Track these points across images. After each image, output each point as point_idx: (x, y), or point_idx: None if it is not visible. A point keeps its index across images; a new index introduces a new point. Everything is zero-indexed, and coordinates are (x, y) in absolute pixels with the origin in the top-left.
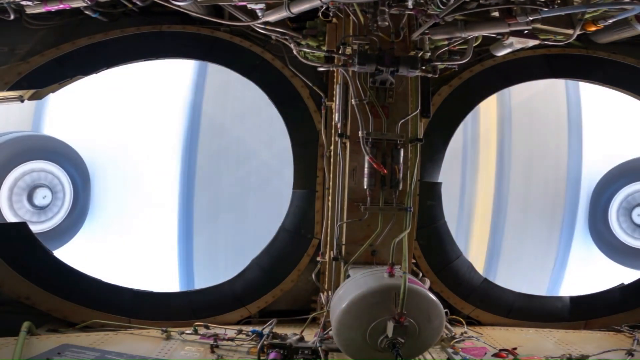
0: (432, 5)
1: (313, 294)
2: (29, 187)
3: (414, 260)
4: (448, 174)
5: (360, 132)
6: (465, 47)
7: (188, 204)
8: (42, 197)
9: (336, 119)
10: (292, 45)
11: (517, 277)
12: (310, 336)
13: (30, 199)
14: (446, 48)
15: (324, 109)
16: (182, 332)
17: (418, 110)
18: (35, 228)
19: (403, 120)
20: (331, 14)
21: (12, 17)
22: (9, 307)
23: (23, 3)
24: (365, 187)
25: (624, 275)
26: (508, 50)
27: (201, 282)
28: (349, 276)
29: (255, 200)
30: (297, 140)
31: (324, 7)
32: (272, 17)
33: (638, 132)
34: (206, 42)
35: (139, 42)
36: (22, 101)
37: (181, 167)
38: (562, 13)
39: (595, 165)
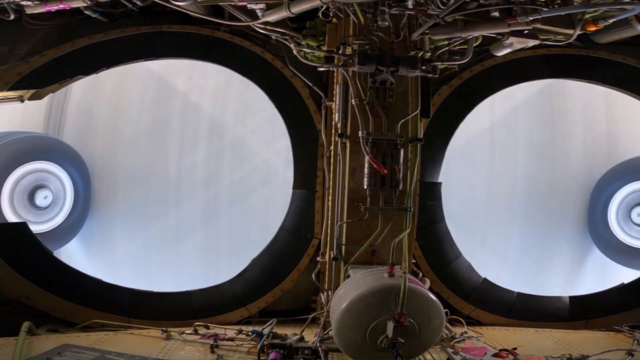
0: (432, 5)
1: (313, 294)
2: (30, 187)
3: (414, 260)
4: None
5: (360, 132)
6: (465, 47)
7: (188, 203)
8: (43, 197)
9: (336, 119)
10: (292, 45)
11: (517, 276)
12: (310, 336)
13: (31, 199)
14: (446, 48)
15: (324, 109)
16: (182, 332)
17: (418, 110)
18: (36, 228)
19: (403, 120)
20: (331, 14)
21: (12, 17)
22: (9, 307)
23: (23, 3)
24: (365, 187)
25: (624, 275)
26: (508, 50)
27: (200, 282)
28: (349, 276)
29: (255, 200)
30: (297, 140)
31: (324, 7)
32: (272, 17)
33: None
34: (206, 42)
35: (139, 42)
36: (22, 101)
37: (181, 166)
38: (562, 13)
39: (595, 164)
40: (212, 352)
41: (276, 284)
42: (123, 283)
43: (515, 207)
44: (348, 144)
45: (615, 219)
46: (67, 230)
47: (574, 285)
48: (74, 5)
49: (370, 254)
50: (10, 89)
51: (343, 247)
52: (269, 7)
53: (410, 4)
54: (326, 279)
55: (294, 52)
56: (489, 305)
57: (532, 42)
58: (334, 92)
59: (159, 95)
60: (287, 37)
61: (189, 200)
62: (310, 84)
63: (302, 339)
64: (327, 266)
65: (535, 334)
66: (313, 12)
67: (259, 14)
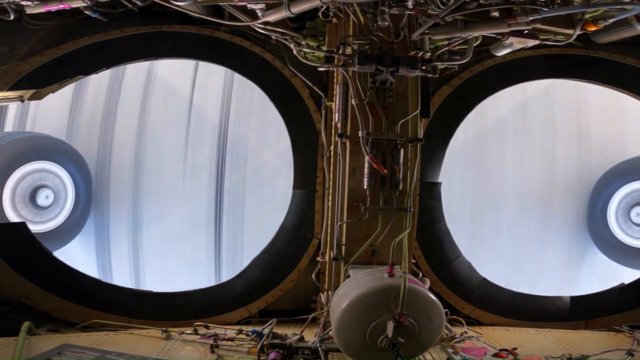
0: (432, 5)
1: (313, 294)
2: (31, 187)
3: (414, 260)
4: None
5: (360, 132)
6: (465, 47)
7: (187, 203)
8: (44, 197)
9: (336, 119)
10: (292, 45)
11: (517, 276)
12: (310, 336)
13: (32, 199)
14: (446, 48)
15: (324, 109)
16: (182, 332)
17: (418, 110)
18: (38, 228)
19: (403, 120)
20: (331, 14)
21: (12, 17)
22: (9, 307)
23: (23, 3)
24: (365, 187)
25: (624, 275)
26: (508, 50)
27: (201, 282)
28: (349, 276)
29: (256, 200)
30: (297, 140)
31: (324, 7)
32: (272, 17)
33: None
34: (206, 42)
35: (139, 42)
36: (22, 101)
37: (182, 166)
38: (562, 13)
39: (594, 164)
40: (212, 352)
41: (276, 284)
42: (122, 283)
43: (514, 207)
44: (348, 144)
45: (614, 218)
46: (68, 230)
47: (573, 285)
48: (74, 5)
49: (370, 254)
50: (10, 89)
51: (343, 247)
52: (269, 7)
53: (410, 4)
54: (326, 279)
55: (294, 52)
56: (489, 305)
57: (532, 42)
58: (334, 92)
59: (159, 95)
60: (287, 37)
61: (189, 200)
62: (310, 84)
63: (302, 339)
64: (327, 266)
65: (535, 334)
66: (313, 12)
67: (259, 14)
